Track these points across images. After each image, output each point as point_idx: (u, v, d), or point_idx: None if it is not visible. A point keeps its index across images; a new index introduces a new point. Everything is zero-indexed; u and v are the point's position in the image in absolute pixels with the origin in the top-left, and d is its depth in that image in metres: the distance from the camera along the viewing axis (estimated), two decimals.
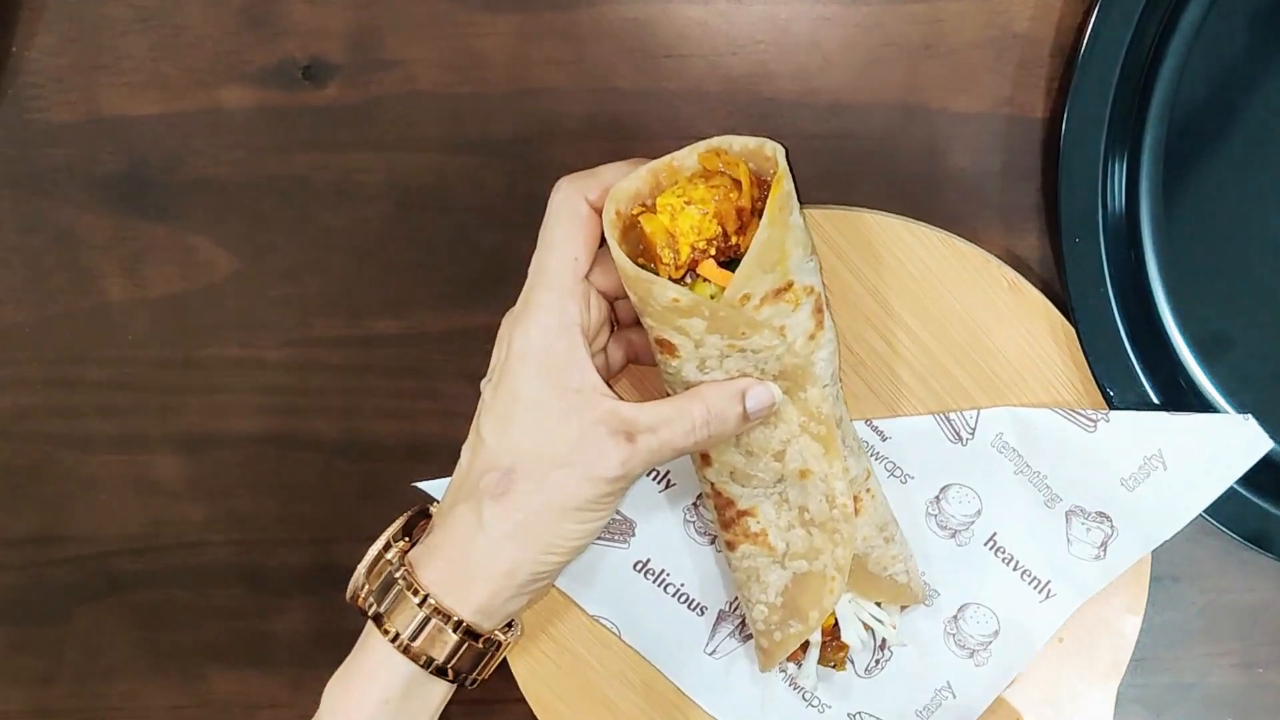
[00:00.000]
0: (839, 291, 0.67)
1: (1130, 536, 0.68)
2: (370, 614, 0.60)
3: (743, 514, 0.64)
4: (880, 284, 0.68)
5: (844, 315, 0.67)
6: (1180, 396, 0.68)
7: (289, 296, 0.72)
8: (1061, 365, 0.68)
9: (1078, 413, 0.67)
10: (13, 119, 0.70)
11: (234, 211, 0.71)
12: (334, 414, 0.73)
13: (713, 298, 0.58)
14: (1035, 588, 0.70)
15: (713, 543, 0.70)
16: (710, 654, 0.71)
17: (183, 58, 0.69)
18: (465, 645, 0.60)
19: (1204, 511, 0.67)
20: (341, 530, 0.74)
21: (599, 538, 0.66)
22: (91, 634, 0.76)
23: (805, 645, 0.67)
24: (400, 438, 0.73)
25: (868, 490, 0.65)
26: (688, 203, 0.58)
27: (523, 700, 0.72)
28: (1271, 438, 0.66)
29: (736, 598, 0.70)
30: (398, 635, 0.59)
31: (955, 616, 0.70)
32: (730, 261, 0.58)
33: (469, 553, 0.59)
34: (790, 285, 0.58)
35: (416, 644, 0.59)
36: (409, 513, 0.64)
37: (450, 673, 0.60)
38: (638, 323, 0.61)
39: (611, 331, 0.64)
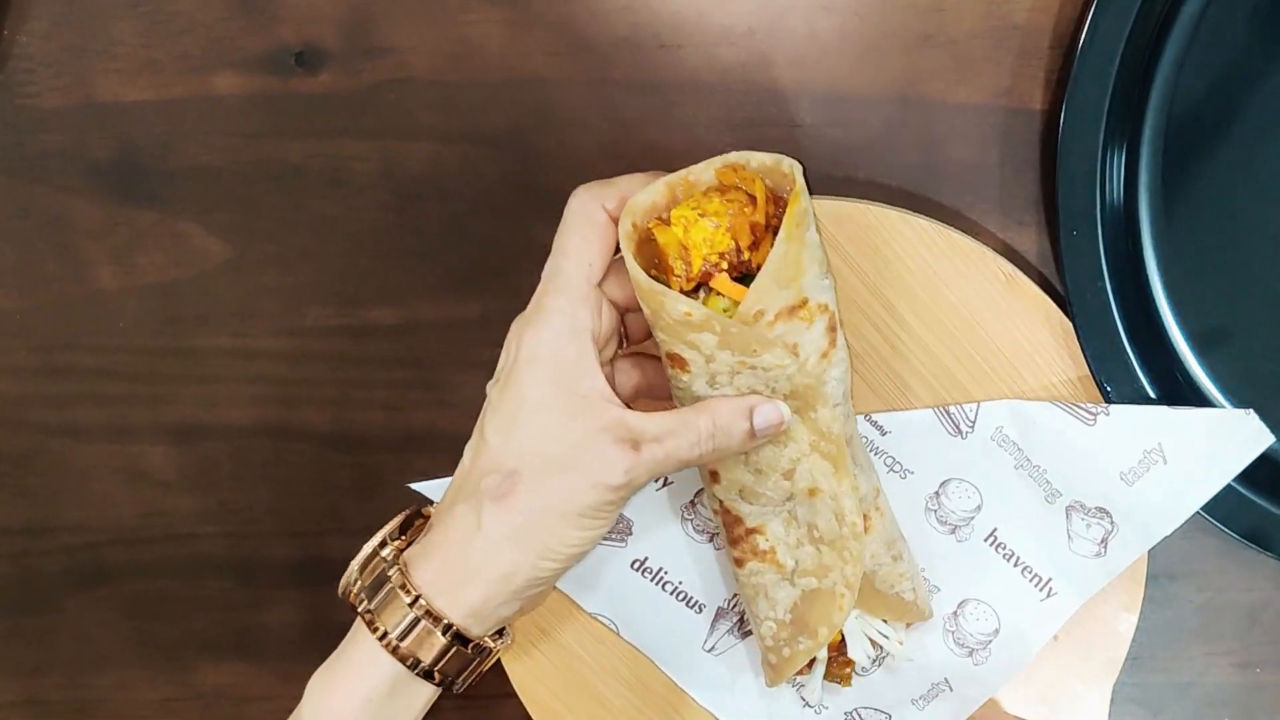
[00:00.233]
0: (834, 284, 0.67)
1: (1130, 532, 0.67)
2: (360, 611, 0.60)
3: (751, 531, 0.63)
4: (876, 277, 0.67)
5: (839, 308, 0.67)
6: (1177, 391, 0.68)
7: (282, 285, 0.71)
8: (1058, 359, 0.68)
9: (1077, 406, 0.66)
10: (4, 104, 0.70)
11: (227, 199, 0.71)
12: (327, 404, 0.73)
13: (725, 313, 0.57)
14: (1036, 585, 0.69)
15: (710, 540, 0.70)
16: (709, 651, 0.71)
17: (175, 44, 0.69)
18: (453, 649, 0.60)
19: (1202, 509, 0.66)
20: (334, 522, 0.74)
21: None
22: (82, 625, 0.76)
23: (812, 661, 0.67)
24: (393, 428, 0.73)
25: (876, 508, 0.65)
26: (701, 215, 0.57)
27: (515, 696, 0.71)
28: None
29: (735, 595, 0.70)
30: (386, 634, 0.59)
31: (955, 613, 0.70)
32: (743, 277, 0.58)
33: (466, 553, 0.59)
34: (805, 302, 0.58)
35: (405, 644, 0.59)
36: (405, 511, 0.64)
37: (436, 676, 0.60)
38: (649, 338, 0.61)
39: (620, 345, 0.63)
